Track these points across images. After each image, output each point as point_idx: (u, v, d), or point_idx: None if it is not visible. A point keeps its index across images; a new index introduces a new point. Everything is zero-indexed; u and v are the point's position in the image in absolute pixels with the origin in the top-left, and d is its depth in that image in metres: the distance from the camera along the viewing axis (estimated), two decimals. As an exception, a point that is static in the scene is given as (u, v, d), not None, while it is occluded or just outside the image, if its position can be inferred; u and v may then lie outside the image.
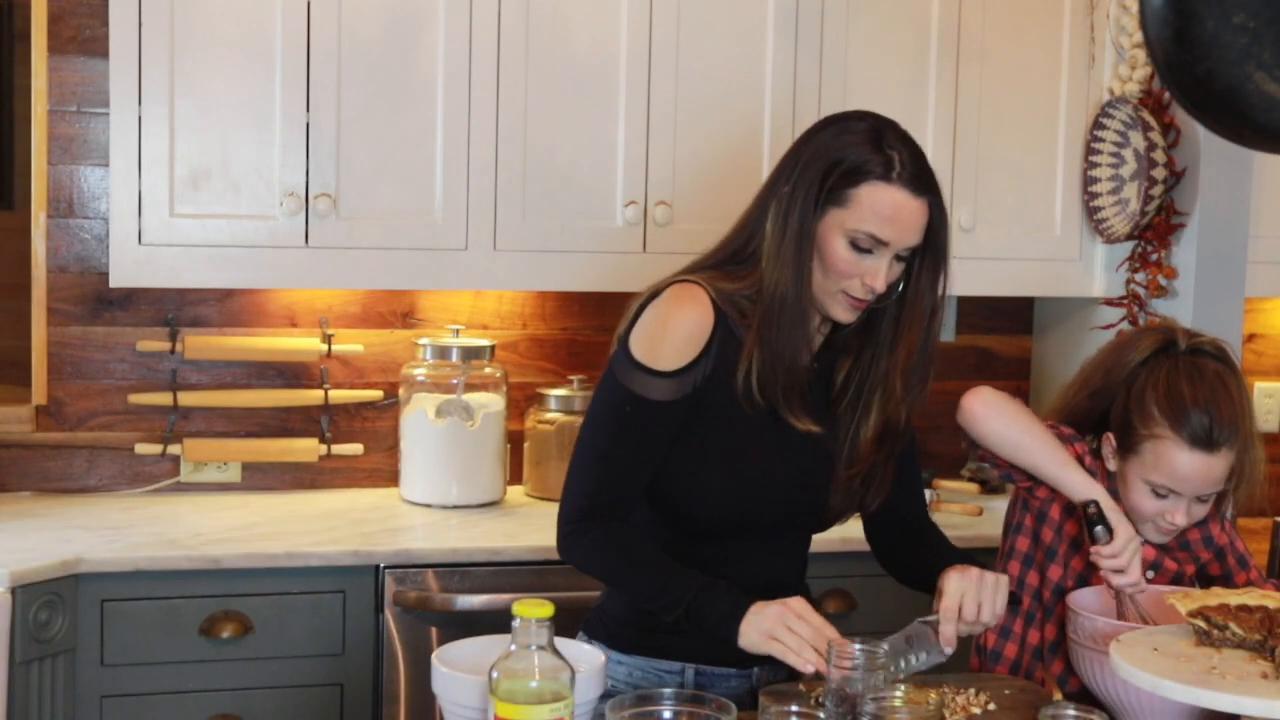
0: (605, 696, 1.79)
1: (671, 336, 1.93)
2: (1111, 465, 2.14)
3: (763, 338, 1.93)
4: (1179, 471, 2.05)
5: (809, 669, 1.76)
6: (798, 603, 1.82)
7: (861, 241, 1.89)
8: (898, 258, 1.92)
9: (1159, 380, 2.08)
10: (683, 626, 1.89)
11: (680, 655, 2.01)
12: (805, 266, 1.91)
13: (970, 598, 1.87)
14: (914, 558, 2.10)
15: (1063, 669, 2.09)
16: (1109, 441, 2.13)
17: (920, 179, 1.90)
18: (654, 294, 1.98)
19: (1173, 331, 2.15)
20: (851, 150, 1.90)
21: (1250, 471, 2.10)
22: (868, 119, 1.94)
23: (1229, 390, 2.07)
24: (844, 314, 1.96)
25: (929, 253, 1.94)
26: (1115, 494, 2.15)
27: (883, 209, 1.88)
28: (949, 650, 1.87)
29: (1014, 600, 1.96)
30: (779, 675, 1.96)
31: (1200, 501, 2.10)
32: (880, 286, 1.91)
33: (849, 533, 2.19)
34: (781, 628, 1.79)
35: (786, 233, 1.91)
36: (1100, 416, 2.16)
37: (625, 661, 2.03)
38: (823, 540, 2.16)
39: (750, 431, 1.97)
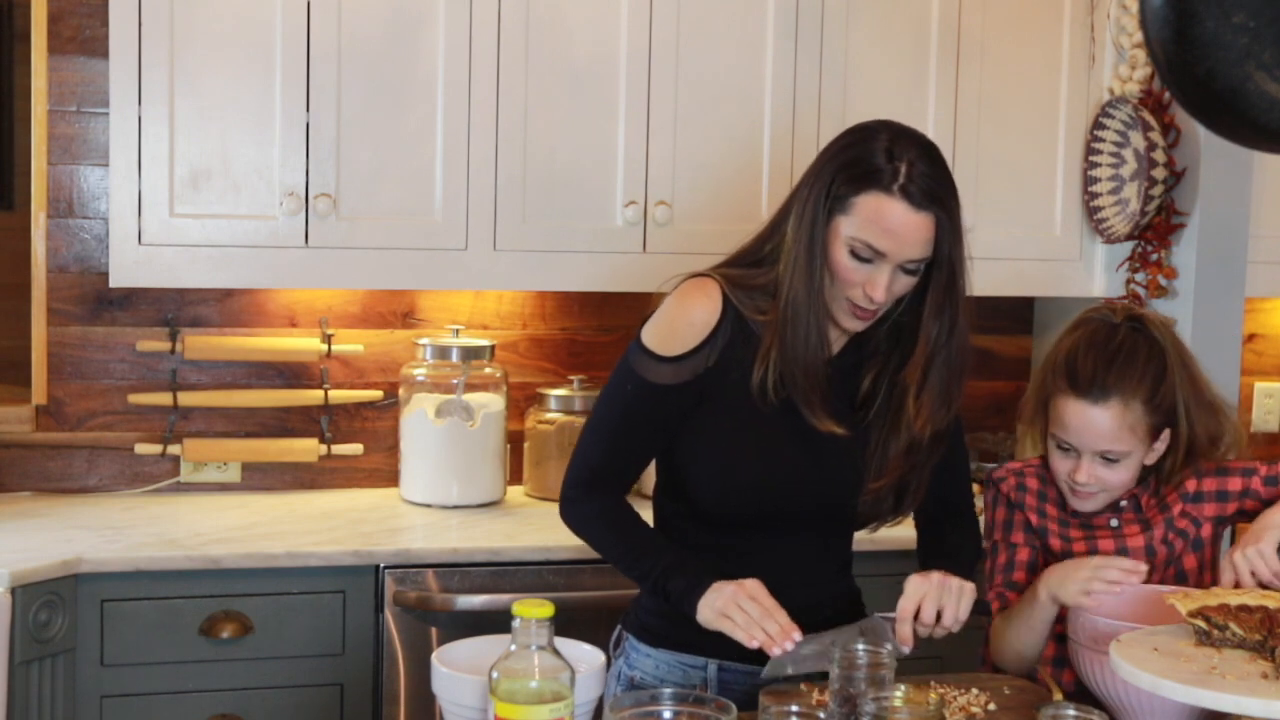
0: (634, 688, 1.83)
1: (676, 325, 1.99)
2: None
3: (780, 339, 1.95)
4: (1068, 421, 2.09)
5: (754, 644, 1.83)
6: (752, 584, 1.88)
7: (860, 250, 1.91)
8: (905, 270, 1.92)
9: (1064, 342, 2.15)
10: (658, 600, 1.97)
11: (705, 651, 2.04)
12: (817, 271, 1.93)
13: (930, 600, 1.89)
14: (923, 547, 2.15)
15: (1074, 678, 2.10)
16: (1041, 414, 2.19)
17: (926, 193, 1.89)
18: (675, 288, 2.04)
19: (1111, 309, 2.20)
20: (862, 159, 1.91)
21: (1198, 432, 2.13)
22: (890, 129, 1.95)
23: (1136, 352, 2.10)
24: (850, 322, 1.98)
25: (937, 268, 1.94)
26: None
27: (879, 219, 1.89)
28: (905, 649, 1.88)
29: (983, 610, 1.97)
30: (801, 674, 1.96)
31: (1107, 462, 2.11)
32: (879, 297, 1.92)
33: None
34: (733, 606, 1.86)
35: (800, 237, 1.94)
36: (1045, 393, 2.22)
37: (652, 655, 2.08)
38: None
39: (768, 425, 1.99)
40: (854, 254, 1.91)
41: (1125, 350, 2.10)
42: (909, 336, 2.00)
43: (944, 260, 1.94)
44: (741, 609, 1.85)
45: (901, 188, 1.88)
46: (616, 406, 2.04)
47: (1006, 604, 2.17)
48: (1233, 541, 2.23)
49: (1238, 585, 2.05)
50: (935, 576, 1.92)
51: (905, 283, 1.94)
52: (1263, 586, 2.04)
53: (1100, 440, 2.09)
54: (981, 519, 2.26)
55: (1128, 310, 2.18)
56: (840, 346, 2.05)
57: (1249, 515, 2.21)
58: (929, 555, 2.10)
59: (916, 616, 1.89)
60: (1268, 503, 2.18)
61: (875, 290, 1.91)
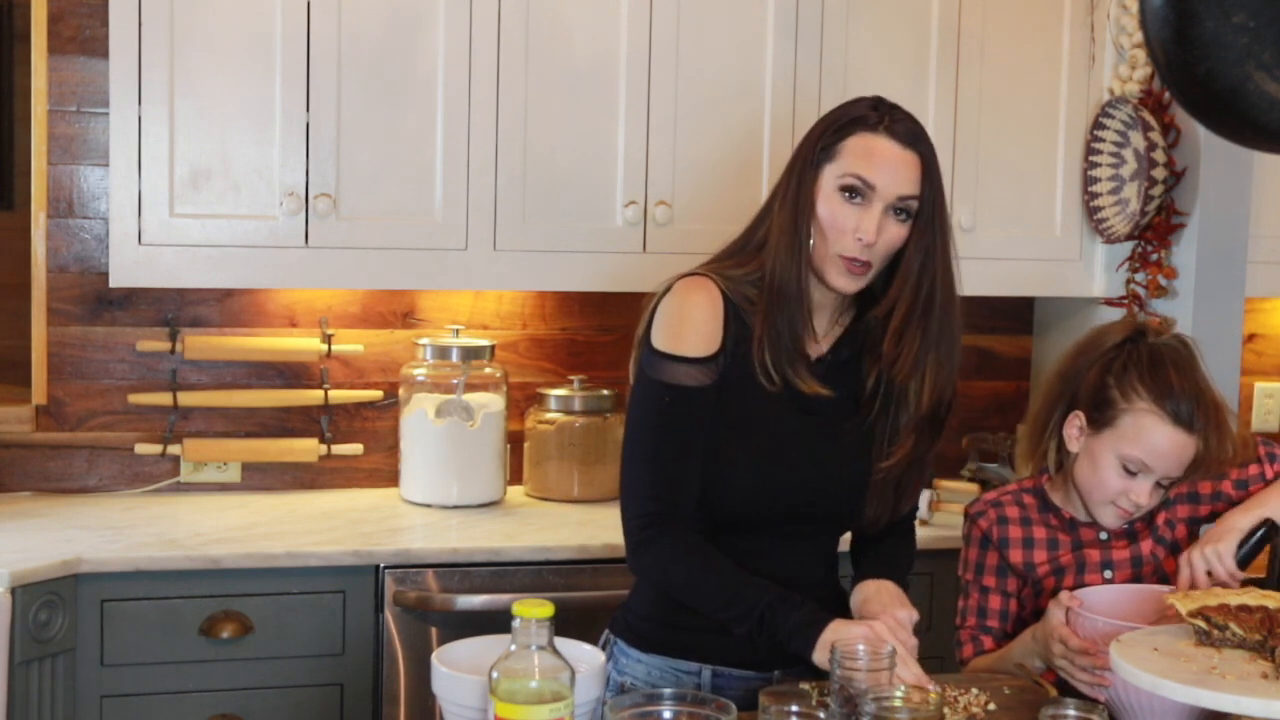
0: (624, 693, 1.80)
1: (690, 323, 1.97)
2: (1075, 446, 2.16)
3: (769, 305, 1.96)
4: (1158, 446, 2.08)
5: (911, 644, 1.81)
6: (882, 627, 1.83)
7: (850, 184, 1.93)
8: (895, 214, 1.93)
9: (1143, 359, 2.12)
10: (755, 639, 1.90)
11: (699, 656, 2.02)
12: (804, 227, 1.95)
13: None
14: (864, 554, 2.15)
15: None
16: (1076, 419, 2.15)
17: (910, 133, 1.95)
18: (665, 291, 2.02)
19: (1143, 324, 2.20)
20: (845, 114, 1.97)
21: (1217, 456, 2.12)
22: (871, 97, 2.01)
23: (1209, 385, 2.12)
24: (842, 279, 1.97)
25: (923, 209, 1.96)
26: (1040, 492, 2.21)
27: (869, 154, 1.93)
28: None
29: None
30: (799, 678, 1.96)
31: (1160, 487, 2.12)
32: (871, 235, 1.92)
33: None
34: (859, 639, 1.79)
35: (786, 202, 1.97)
36: (1066, 399, 2.19)
37: (644, 660, 2.05)
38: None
39: (773, 424, 1.99)
40: (844, 191, 1.93)
41: (1204, 382, 2.10)
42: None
43: (927, 202, 1.95)
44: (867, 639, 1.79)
45: (887, 128, 1.94)
46: (656, 425, 1.97)
47: (981, 647, 2.19)
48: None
49: (1193, 584, 2.06)
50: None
51: (894, 232, 1.94)
52: (1218, 585, 2.05)
53: (1179, 467, 2.10)
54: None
55: (1154, 330, 2.17)
56: (835, 340, 2.05)
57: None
58: (865, 562, 2.11)
59: None
60: (1238, 505, 2.19)
61: (868, 230, 1.92)
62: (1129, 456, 2.09)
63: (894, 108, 1.98)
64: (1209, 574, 2.08)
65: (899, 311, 1.98)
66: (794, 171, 1.98)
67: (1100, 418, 2.12)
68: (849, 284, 1.97)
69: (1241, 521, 2.12)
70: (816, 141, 1.97)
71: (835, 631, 1.82)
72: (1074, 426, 2.15)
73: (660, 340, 1.98)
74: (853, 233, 1.93)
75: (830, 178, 1.94)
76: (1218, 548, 2.08)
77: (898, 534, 2.16)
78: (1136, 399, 2.09)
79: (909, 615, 1.92)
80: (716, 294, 1.98)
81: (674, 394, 1.96)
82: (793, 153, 2.03)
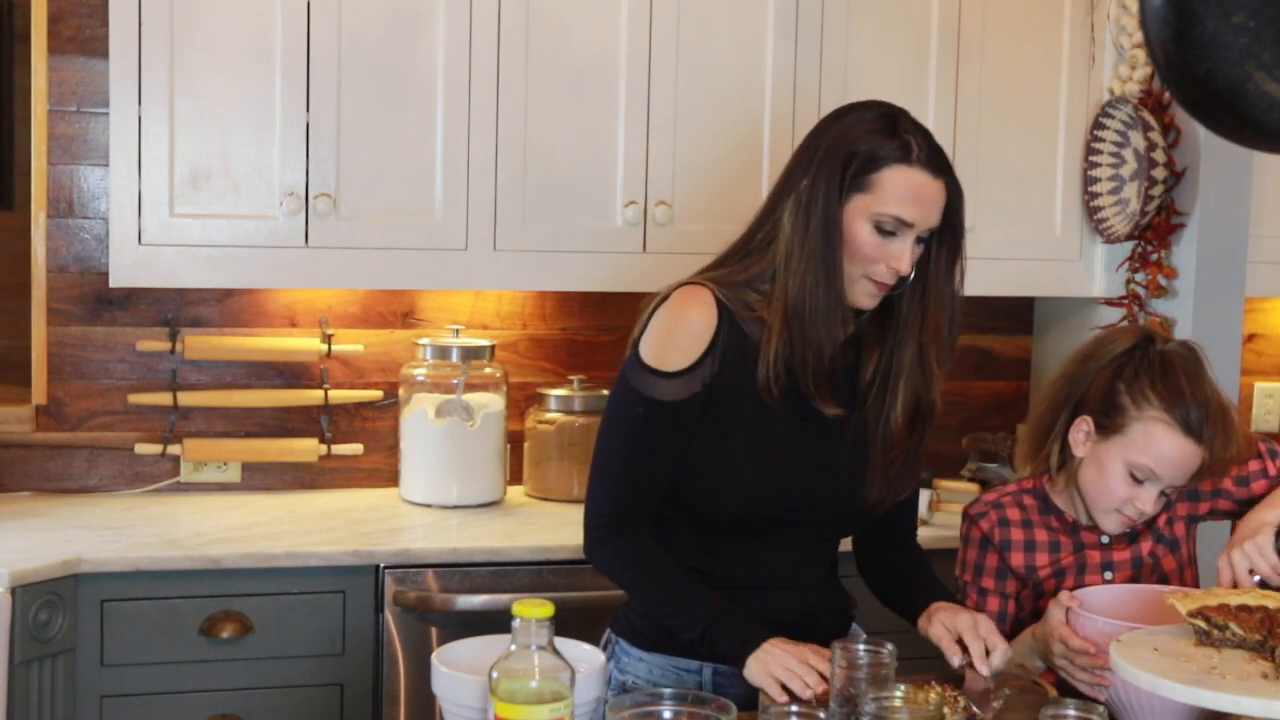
0: (626, 692, 1.82)
1: (677, 338, 1.97)
2: (1080, 451, 2.15)
3: (790, 328, 1.95)
4: (1166, 455, 2.07)
5: (806, 694, 1.79)
6: (813, 655, 1.84)
7: (886, 224, 1.93)
8: (918, 240, 1.95)
9: (1154, 365, 2.11)
10: (698, 647, 1.94)
11: (700, 654, 2.02)
12: (835, 256, 1.94)
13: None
14: (894, 585, 2.15)
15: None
16: (1084, 424, 2.14)
17: (936, 161, 1.95)
18: (663, 299, 2.02)
19: (1149, 330, 2.19)
20: (868, 138, 1.94)
21: (1221, 459, 2.11)
22: (877, 107, 1.99)
23: (1218, 392, 2.11)
24: (867, 300, 1.99)
25: (947, 232, 1.98)
26: (1041, 494, 2.20)
27: (906, 191, 1.92)
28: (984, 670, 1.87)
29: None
30: None
31: (1164, 495, 2.12)
32: (905, 269, 1.94)
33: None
34: (781, 669, 1.82)
35: (811, 225, 1.94)
36: (1072, 403, 2.17)
37: (645, 659, 2.06)
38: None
39: (766, 427, 1.99)
40: (879, 229, 1.93)
41: (1213, 393, 2.09)
42: (908, 311, 2.00)
43: (955, 224, 1.98)
44: (790, 670, 1.82)
45: (918, 158, 1.93)
46: (627, 432, 1.99)
47: None
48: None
49: (1236, 583, 2.05)
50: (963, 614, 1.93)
51: (917, 253, 1.97)
52: (1263, 585, 2.04)
53: (1185, 477, 2.09)
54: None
55: (1162, 337, 2.16)
56: (842, 338, 2.05)
57: (1221, 514, 2.22)
58: (909, 585, 2.09)
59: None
60: (1241, 501, 2.19)
61: (900, 262, 1.93)
62: (1137, 464, 2.09)
63: (914, 127, 1.96)
64: (1251, 571, 2.05)
65: (930, 330, 2.00)
66: (815, 190, 1.94)
67: (1109, 424, 2.11)
68: (873, 303, 2.00)
69: (1270, 516, 2.09)
70: (842, 169, 1.93)
71: (763, 654, 1.84)
72: (1081, 431, 2.15)
73: (645, 350, 1.99)
74: (885, 260, 1.94)
75: (864, 208, 1.93)
76: (1257, 543, 2.05)
77: (915, 555, 2.17)
78: (1148, 406, 2.08)
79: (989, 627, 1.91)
80: (712, 305, 1.97)
81: (647, 407, 1.97)
82: (799, 159, 1.99)
